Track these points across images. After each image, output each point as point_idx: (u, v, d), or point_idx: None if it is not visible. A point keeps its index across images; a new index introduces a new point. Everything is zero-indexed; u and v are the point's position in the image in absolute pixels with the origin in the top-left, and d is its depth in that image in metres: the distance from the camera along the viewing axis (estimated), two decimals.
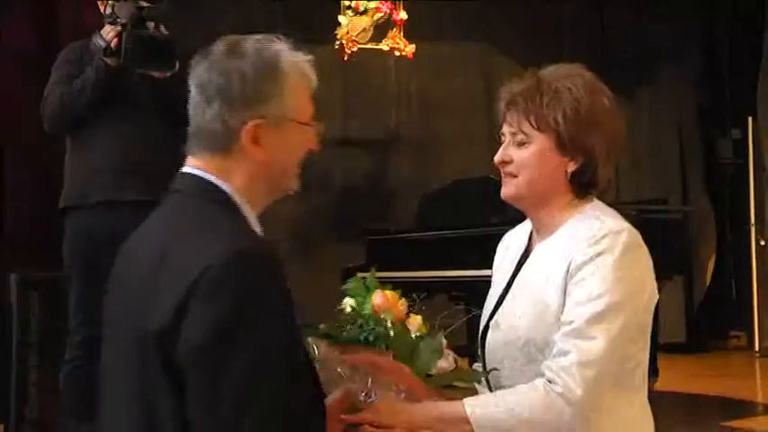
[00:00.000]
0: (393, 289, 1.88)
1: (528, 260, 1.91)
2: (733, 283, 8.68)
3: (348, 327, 1.81)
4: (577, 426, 1.71)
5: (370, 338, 1.79)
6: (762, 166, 8.24)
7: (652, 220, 5.62)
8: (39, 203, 4.88)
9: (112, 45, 3.38)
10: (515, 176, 1.86)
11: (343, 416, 1.72)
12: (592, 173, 1.85)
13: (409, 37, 7.35)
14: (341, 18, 7.22)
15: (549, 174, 1.84)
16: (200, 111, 1.61)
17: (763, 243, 8.17)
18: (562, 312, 1.76)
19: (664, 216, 6.04)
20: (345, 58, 7.16)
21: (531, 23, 8.51)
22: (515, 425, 1.70)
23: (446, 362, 1.86)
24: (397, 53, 7.31)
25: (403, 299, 1.87)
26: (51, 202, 3.76)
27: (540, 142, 1.83)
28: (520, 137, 1.85)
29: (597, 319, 1.72)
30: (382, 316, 1.82)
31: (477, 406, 1.73)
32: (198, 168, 1.62)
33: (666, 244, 5.54)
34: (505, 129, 1.88)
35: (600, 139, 1.83)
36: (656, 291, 1.84)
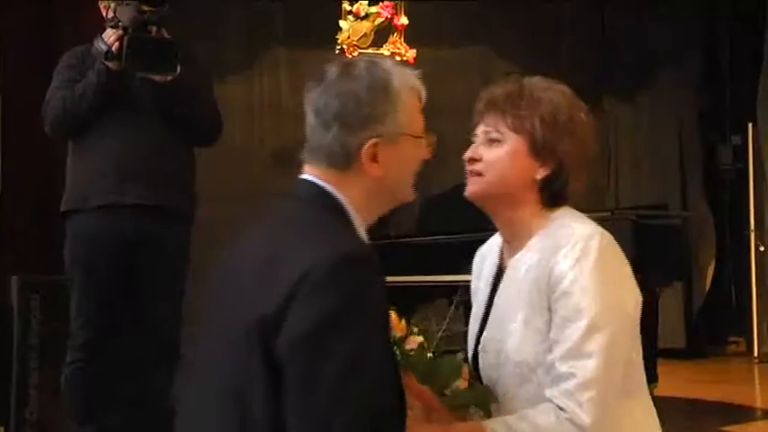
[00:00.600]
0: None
1: (504, 279, 1.90)
2: (732, 289, 8.68)
3: None
4: None
5: None
6: (762, 172, 8.25)
7: (651, 226, 5.62)
8: (40, 206, 4.89)
9: (114, 49, 3.39)
10: (482, 175, 1.86)
11: None
12: (562, 183, 1.85)
13: (410, 42, 7.37)
14: (342, 23, 7.24)
15: (518, 176, 1.84)
16: (318, 134, 1.68)
17: (762, 249, 8.17)
18: (549, 329, 1.76)
19: (663, 221, 6.04)
20: None
21: (532, 27, 8.52)
22: None
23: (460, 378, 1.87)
24: (397, 58, 7.32)
25: (403, 320, 1.87)
26: (52, 204, 3.77)
27: (513, 143, 1.84)
28: (494, 135, 1.85)
29: (588, 334, 1.71)
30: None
31: (494, 429, 1.73)
32: (317, 177, 1.68)
33: (666, 249, 5.55)
34: (480, 129, 1.89)
35: (573, 150, 1.84)
36: (638, 288, 1.83)
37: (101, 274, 3.51)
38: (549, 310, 1.76)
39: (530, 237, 1.85)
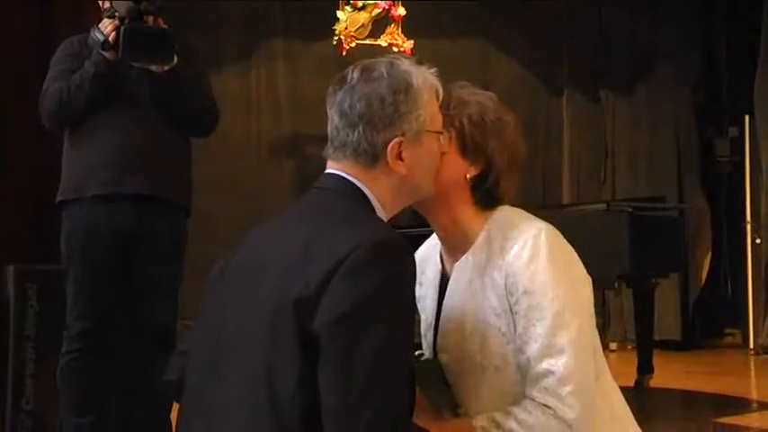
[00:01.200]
0: None
1: (450, 286, 1.92)
2: (728, 282, 8.71)
3: None
4: None
5: None
6: (758, 164, 8.26)
7: (648, 218, 5.63)
8: (36, 196, 4.89)
9: (110, 39, 3.38)
10: None
11: None
12: (493, 183, 1.88)
13: (407, 33, 7.36)
14: (339, 13, 7.22)
15: (449, 175, 1.86)
16: (343, 135, 1.76)
17: (759, 241, 8.19)
18: (515, 330, 1.78)
19: (660, 214, 6.06)
20: (344, 54, 7.17)
21: (530, 20, 8.52)
22: None
23: None
24: (395, 49, 7.31)
25: None
26: (49, 194, 3.77)
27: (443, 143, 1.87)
28: None
29: (556, 330, 1.75)
30: None
31: (483, 427, 1.76)
32: (343, 172, 1.76)
33: (662, 241, 5.56)
34: None
35: (501, 150, 1.88)
36: (586, 272, 1.87)
37: (97, 265, 3.51)
38: (511, 311, 1.79)
39: (469, 239, 1.88)
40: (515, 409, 1.76)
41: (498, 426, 1.76)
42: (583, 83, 8.80)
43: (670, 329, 8.24)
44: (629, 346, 7.77)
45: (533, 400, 1.75)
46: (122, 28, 3.37)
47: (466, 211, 1.89)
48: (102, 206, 3.50)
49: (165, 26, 3.47)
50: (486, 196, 1.90)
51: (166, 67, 3.42)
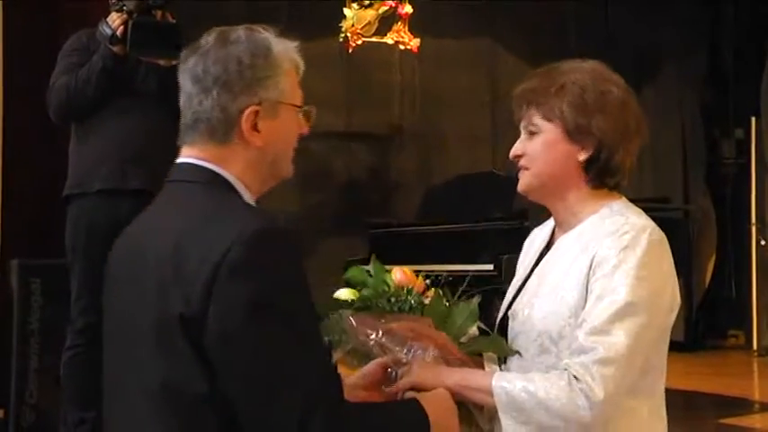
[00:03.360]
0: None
1: (549, 253, 1.93)
2: (733, 283, 8.69)
3: (377, 301, 1.85)
4: (596, 427, 1.72)
5: (405, 308, 1.84)
6: (764, 166, 8.24)
7: (653, 218, 5.63)
8: (41, 190, 4.89)
9: (118, 33, 3.39)
10: (528, 169, 1.89)
11: (384, 388, 1.78)
12: (605, 161, 1.86)
13: (414, 31, 7.35)
14: (346, 11, 7.21)
15: (560, 163, 1.86)
16: (196, 102, 1.63)
17: (763, 243, 8.17)
18: (582, 307, 1.76)
19: (665, 214, 6.06)
20: (350, 51, 7.16)
21: (536, 19, 8.51)
22: (534, 407, 1.71)
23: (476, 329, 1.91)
24: (401, 47, 7.30)
25: (420, 276, 1.93)
26: (53, 188, 3.77)
27: (548, 132, 1.86)
28: (531, 128, 1.88)
29: (619, 316, 1.72)
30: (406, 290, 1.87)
31: (502, 381, 1.75)
32: (196, 158, 1.63)
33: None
34: (521, 125, 1.92)
35: (608, 126, 1.84)
36: (678, 292, 1.85)
37: (101, 259, 3.50)
38: (587, 289, 1.77)
39: (582, 219, 1.88)
40: (531, 374, 1.76)
41: (516, 388, 1.73)
42: None
43: (674, 330, 8.17)
44: None
45: (567, 369, 1.72)
46: (130, 22, 3.37)
47: (579, 193, 1.88)
48: (107, 200, 3.51)
49: (173, 20, 3.47)
50: (601, 173, 1.87)
51: (174, 62, 3.42)
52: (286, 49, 1.65)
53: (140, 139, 3.50)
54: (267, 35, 1.64)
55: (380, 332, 1.78)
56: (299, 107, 1.67)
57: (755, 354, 7.96)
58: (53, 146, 4.37)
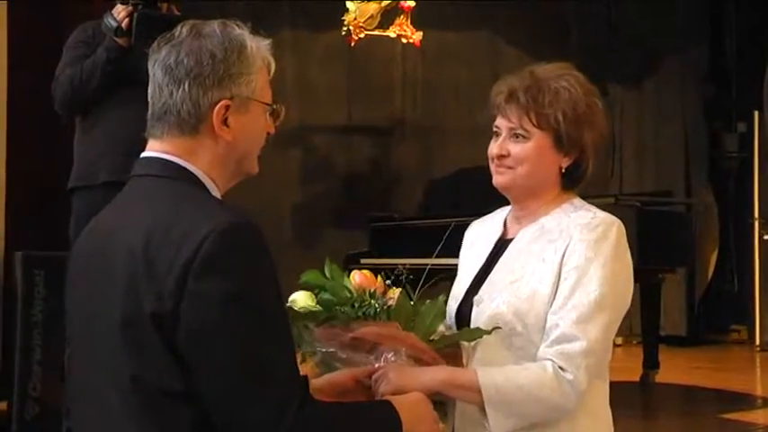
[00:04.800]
0: (395, 275, 1.92)
1: (511, 244, 1.96)
2: (735, 278, 8.69)
3: (341, 308, 1.84)
4: (575, 412, 1.80)
5: (370, 312, 1.83)
6: (767, 160, 8.24)
7: (655, 212, 5.63)
8: (44, 182, 4.89)
9: (123, 25, 3.39)
10: (512, 168, 1.93)
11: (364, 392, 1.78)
12: (583, 169, 1.95)
13: (417, 24, 7.34)
14: (349, 4, 7.20)
15: (545, 168, 1.93)
16: (166, 93, 1.64)
17: (766, 237, 8.17)
18: (555, 292, 1.82)
19: (667, 208, 6.05)
20: (353, 45, 7.16)
21: (539, 14, 8.50)
22: (523, 399, 1.76)
23: (443, 326, 1.94)
24: (404, 40, 7.29)
25: (379, 277, 1.92)
26: (57, 181, 3.77)
27: (539, 139, 1.91)
28: (519, 132, 1.92)
29: (599, 307, 1.79)
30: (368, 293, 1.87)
31: (489, 377, 1.78)
32: (162, 152, 1.63)
33: (669, 236, 5.56)
34: (502, 122, 1.96)
35: (592, 137, 1.94)
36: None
37: None
38: (559, 277, 1.83)
39: (546, 213, 1.94)
40: (515, 368, 1.79)
41: (502, 376, 1.77)
42: (590, 77, 8.76)
43: (676, 325, 8.24)
44: (635, 341, 7.76)
45: (550, 359, 1.77)
46: (136, 14, 3.37)
47: (551, 194, 1.96)
48: (111, 193, 3.49)
49: (179, 13, 3.47)
50: (577, 179, 1.97)
51: None
52: (259, 47, 1.65)
53: (143, 131, 3.50)
54: (242, 32, 1.64)
55: (347, 343, 1.79)
56: (269, 105, 1.67)
57: (758, 349, 7.96)
58: (57, 139, 4.37)
